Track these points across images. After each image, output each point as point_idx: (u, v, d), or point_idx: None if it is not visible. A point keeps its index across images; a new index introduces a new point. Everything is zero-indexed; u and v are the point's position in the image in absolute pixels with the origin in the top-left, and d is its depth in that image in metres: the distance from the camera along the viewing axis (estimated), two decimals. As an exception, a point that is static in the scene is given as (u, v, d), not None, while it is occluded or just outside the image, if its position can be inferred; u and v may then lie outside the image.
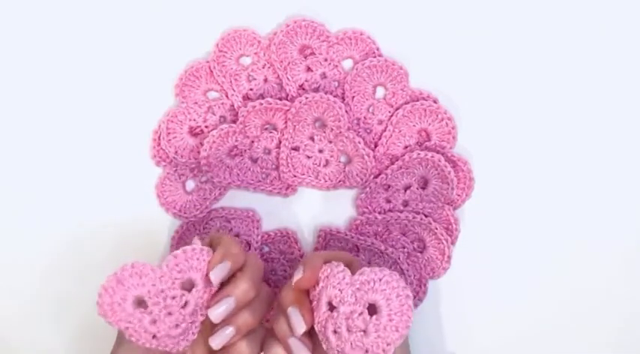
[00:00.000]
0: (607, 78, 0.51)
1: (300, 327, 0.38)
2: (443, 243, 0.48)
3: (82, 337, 0.47)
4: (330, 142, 0.49)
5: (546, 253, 0.50)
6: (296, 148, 0.49)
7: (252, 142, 0.49)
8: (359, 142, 0.48)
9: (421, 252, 0.49)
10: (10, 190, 0.50)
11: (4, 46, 0.51)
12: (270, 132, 0.49)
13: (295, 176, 0.49)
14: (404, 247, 0.49)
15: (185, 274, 0.38)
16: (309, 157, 0.49)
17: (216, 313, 0.38)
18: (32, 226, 0.48)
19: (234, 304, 0.38)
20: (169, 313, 0.37)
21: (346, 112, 0.49)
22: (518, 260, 0.50)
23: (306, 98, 0.48)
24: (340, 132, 0.48)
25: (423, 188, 0.49)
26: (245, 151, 0.49)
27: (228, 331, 0.39)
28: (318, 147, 0.49)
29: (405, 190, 0.49)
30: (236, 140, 0.49)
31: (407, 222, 0.49)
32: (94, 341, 0.48)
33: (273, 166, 0.49)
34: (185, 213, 0.49)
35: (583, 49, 0.51)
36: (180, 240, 0.49)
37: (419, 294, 0.49)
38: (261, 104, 0.48)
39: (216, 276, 0.38)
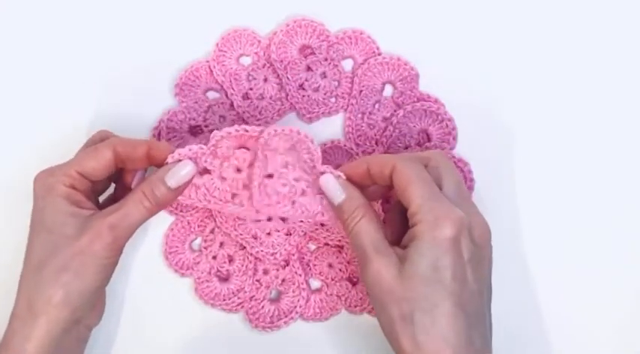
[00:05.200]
0: (611, 79, 0.50)
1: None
2: None
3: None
4: (305, 172, 0.45)
5: (547, 255, 0.49)
6: (270, 176, 0.45)
7: (223, 162, 0.45)
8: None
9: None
10: (11, 191, 0.50)
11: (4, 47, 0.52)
12: (244, 152, 0.45)
13: (269, 205, 0.45)
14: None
15: None
16: (284, 184, 0.45)
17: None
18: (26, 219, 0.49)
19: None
20: None
21: (352, 104, 0.49)
22: (518, 262, 0.49)
23: (275, 130, 0.43)
24: (314, 166, 0.44)
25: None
26: (214, 170, 0.45)
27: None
28: (293, 176, 0.45)
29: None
30: (205, 161, 0.44)
31: None
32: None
33: (242, 186, 0.45)
34: (182, 210, 0.49)
35: (587, 51, 0.51)
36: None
37: None
38: (237, 131, 0.44)
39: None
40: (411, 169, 0.41)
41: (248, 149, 0.45)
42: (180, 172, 0.42)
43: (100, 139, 0.45)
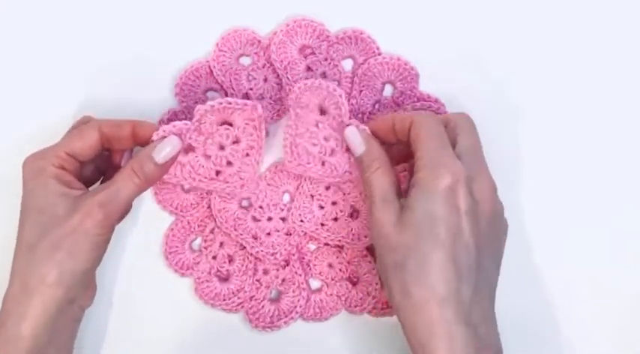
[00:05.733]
0: (614, 82, 0.51)
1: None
2: None
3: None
4: (335, 130, 0.47)
5: (552, 248, 0.49)
6: (301, 135, 0.47)
7: (207, 139, 0.46)
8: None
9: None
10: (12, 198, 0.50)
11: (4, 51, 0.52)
12: (227, 128, 0.47)
13: (300, 164, 0.47)
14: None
15: None
16: (314, 144, 0.47)
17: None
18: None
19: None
20: None
21: (352, 104, 0.49)
22: (522, 254, 0.49)
23: (305, 84, 0.46)
24: (342, 121, 0.46)
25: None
26: (198, 148, 0.47)
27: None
28: (323, 135, 0.47)
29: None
30: (190, 138, 0.46)
31: None
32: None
33: (226, 163, 0.47)
34: (182, 210, 0.49)
35: (591, 55, 0.51)
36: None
37: None
38: (221, 104, 0.45)
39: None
40: (427, 122, 0.42)
41: (231, 125, 0.46)
42: (166, 147, 0.44)
43: (84, 123, 0.45)
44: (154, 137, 0.44)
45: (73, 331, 0.44)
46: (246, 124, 0.46)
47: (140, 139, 0.44)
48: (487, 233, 0.40)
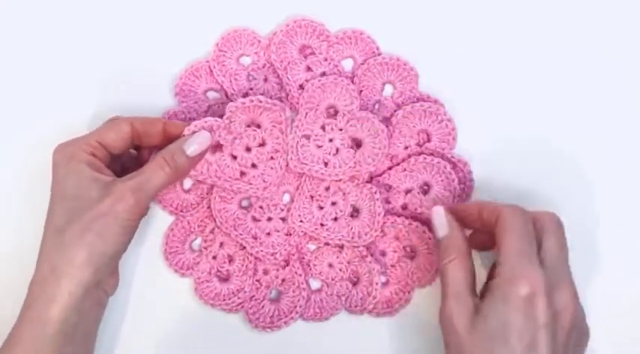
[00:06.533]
0: (608, 80, 0.51)
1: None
2: (433, 254, 0.48)
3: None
4: (341, 129, 0.48)
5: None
6: (307, 137, 0.48)
7: (235, 138, 0.48)
8: (373, 118, 0.48)
9: (411, 259, 0.49)
10: (14, 199, 0.50)
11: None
12: (254, 130, 0.48)
13: (304, 164, 0.48)
14: (395, 251, 0.49)
15: None
16: (319, 146, 0.48)
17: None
18: (31, 222, 0.48)
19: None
20: None
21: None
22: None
23: (319, 81, 0.48)
24: (353, 115, 0.48)
25: (425, 193, 0.49)
26: (226, 147, 0.48)
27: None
28: (329, 136, 0.48)
29: (406, 193, 0.49)
30: (219, 135, 0.47)
31: (402, 227, 0.49)
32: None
33: (251, 165, 0.48)
34: (182, 210, 0.49)
35: (586, 50, 0.51)
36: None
37: (402, 300, 0.48)
38: (252, 101, 0.47)
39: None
40: (514, 219, 0.41)
41: (259, 127, 0.48)
42: (197, 140, 0.45)
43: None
44: (186, 132, 0.45)
45: (98, 316, 0.44)
46: (273, 126, 0.48)
47: (170, 135, 0.46)
48: (565, 344, 0.39)
